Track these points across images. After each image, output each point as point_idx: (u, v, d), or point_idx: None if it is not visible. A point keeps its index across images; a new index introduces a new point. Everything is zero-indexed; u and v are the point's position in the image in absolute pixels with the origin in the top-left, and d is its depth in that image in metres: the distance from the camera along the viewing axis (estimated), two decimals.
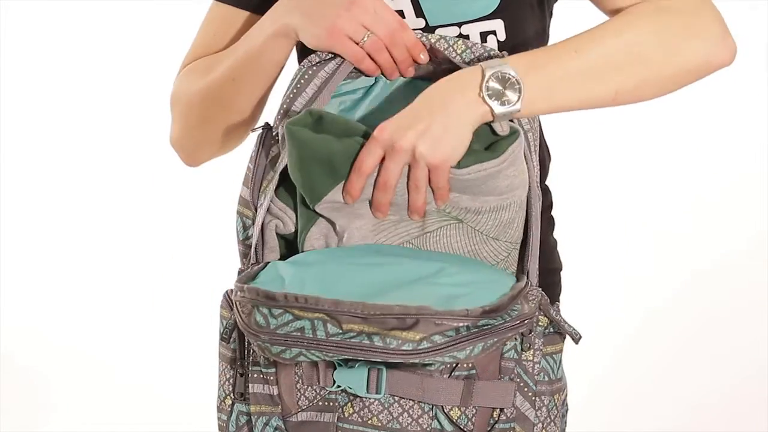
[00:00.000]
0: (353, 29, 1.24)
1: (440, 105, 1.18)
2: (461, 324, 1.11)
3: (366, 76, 1.28)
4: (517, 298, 1.16)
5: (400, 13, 1.32)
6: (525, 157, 1.23)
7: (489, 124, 1.19)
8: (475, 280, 1.18)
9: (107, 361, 3.21)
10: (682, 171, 3.26)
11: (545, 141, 1.40)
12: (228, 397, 1.26)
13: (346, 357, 1.12)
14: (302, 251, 1.23)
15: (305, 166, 1.18)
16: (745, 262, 3.21)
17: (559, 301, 1.39)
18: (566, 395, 1.34)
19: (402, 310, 1.10)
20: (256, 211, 1.26)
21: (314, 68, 1.26)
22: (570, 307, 1.42)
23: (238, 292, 1.15)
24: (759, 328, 3.16)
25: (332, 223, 1.22)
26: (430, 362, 1.11)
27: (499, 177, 1.19)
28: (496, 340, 1.14)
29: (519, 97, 1.18)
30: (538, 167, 1.27)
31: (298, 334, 1.11)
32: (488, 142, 1.19)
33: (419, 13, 1.33)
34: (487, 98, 1.17)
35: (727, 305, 3.19)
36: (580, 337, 1.25)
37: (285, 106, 1.26)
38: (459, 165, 1.18)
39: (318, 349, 1.11)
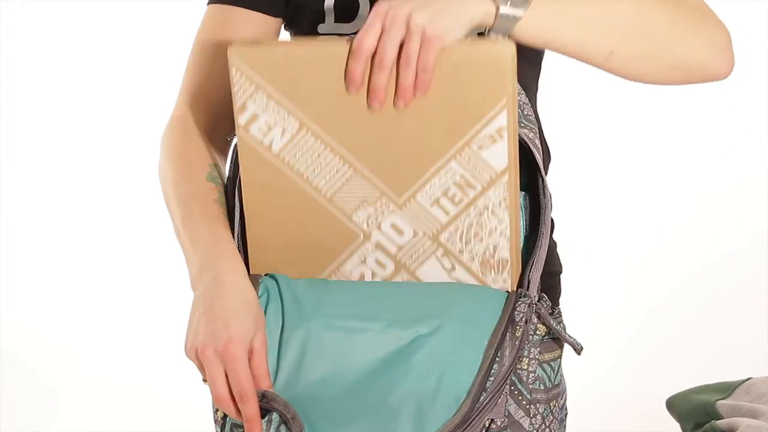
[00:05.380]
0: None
1: None
2: None
3: None
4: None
5: None
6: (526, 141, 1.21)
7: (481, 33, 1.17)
8: (449, 347, 1.16)
9: (109, 362, 3.23)
10: (683, 171, 3.26)
11: (545, 141, 1.38)
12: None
13: None
14: None
15: None
16: (747, 265, 3.21)
17: (558, 305, 1.38)
18: (565, 400, 1.32)
19: None
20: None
21: None
22: (570, 310, 1.42)
23: None
24: (760, 330, 3.16)
25: None
26: None
27: None
28: None
29: (526, 8, 1.15)
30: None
31: None
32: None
33: None
34: None
35: (728, 307, 3.19)
36: (582, 348, 1.22)
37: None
38: None
39: None
